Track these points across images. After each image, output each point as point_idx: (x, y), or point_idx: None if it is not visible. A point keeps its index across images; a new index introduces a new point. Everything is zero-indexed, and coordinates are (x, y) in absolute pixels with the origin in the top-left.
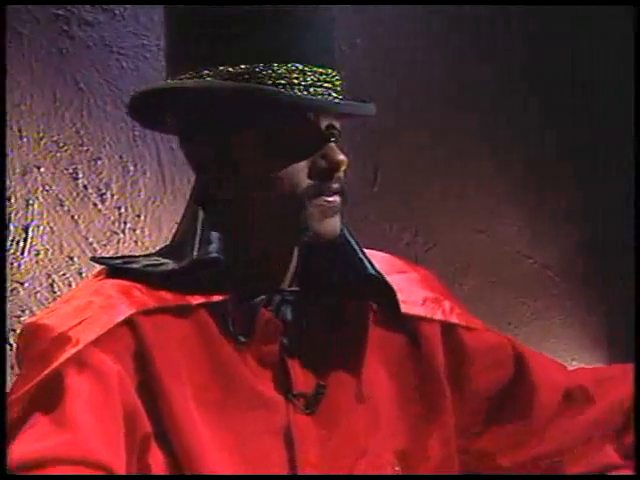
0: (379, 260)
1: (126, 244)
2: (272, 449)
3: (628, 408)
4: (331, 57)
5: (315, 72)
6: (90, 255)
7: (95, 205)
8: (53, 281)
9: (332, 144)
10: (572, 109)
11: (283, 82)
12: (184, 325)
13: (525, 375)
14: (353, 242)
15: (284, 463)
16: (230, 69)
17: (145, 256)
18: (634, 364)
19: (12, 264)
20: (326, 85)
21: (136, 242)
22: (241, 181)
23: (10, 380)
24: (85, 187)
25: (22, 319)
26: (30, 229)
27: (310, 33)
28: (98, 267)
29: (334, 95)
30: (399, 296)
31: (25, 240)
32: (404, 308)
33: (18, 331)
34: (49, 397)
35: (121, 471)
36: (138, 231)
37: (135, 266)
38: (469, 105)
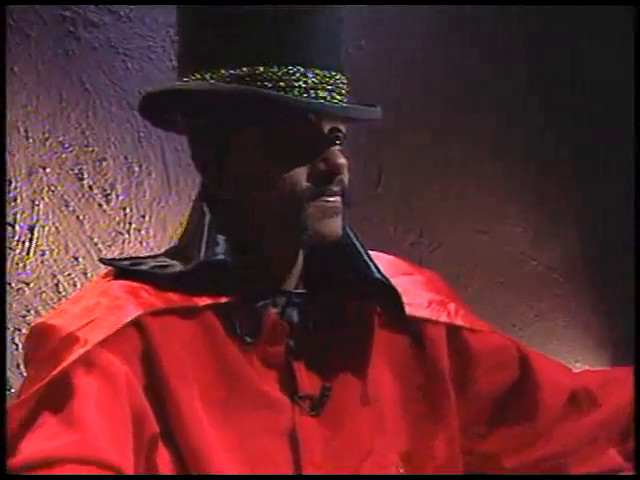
0: (384, 262)
1: (131, 244)
2: (277, 450)
3: (633, 411)
4: (336, 59)
5: (317, 74)
6: (95, 255)
7: (100, 206)
8: (58, 281)
9: (334, 148)
10: (572, 109)
11: (283, 84)
12: (191, 326)
13: (530, 377)
14: (358, 244)
15: (289, 464)
16: (232, 71)
17: (152, 257)
18: (634, 362)
19: (18, 264)
20: (328, 87)
21: (141, 242)
22: (242, 181)
23: (12, 379)
24: (90, 188)
25: (27, 319)
26: (36, 229)
27: (314, 35)
28: (103, 267)
29: (338, 98)
30: (404, 299)
31: (31, 240)
32: (409, 310)
33: (24, 331)
34: (58, 397)
35: (129, 471)
36: (143, 231)
37: (142, 267)
38: (469, 105)
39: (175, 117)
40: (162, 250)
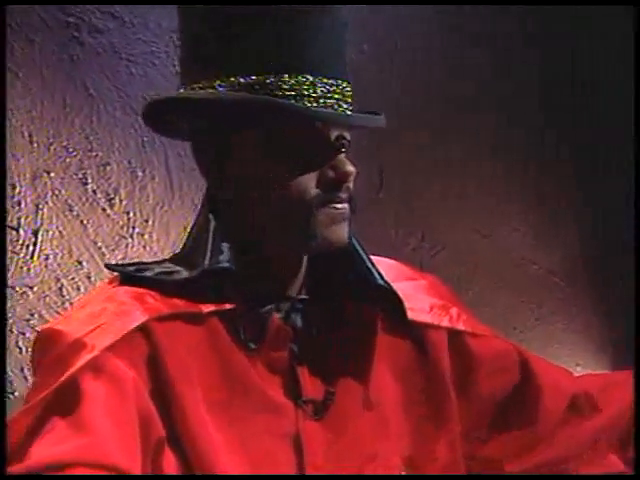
0: (387, 268)
1: (134, 249)
2: (281, 453)
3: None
4: (342, 68)
5: (325, 84)
6: (99, 259)
7: (104, 210)
8: (62, 285)
9: (341, 155)
10: (572, 109)
11: (293, 93)
12: (196, 332)
13: (531, 381)
14: (361, 250)
15: (292, 467)
16: (241, 80)
17: (157, 263)
18: (635, 363)
19: (22, 268)
20: (336, 96)
21: (144, 247)
22: (242, 182)
23: (15, 383)
24: (94, 192)
25: (31, 322)
26: (40, 233)
27: (321, 45)
28: (106, 271)
29: (344, 107)
30: (406, 304)
31: (35, 244)
32: (411, 315)
33: (28, 335)
34: (66, 402)
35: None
36: (146, 236)
37: (148, 274)
38: (469, 105)
39: (179, 124)
40: (166, 255)
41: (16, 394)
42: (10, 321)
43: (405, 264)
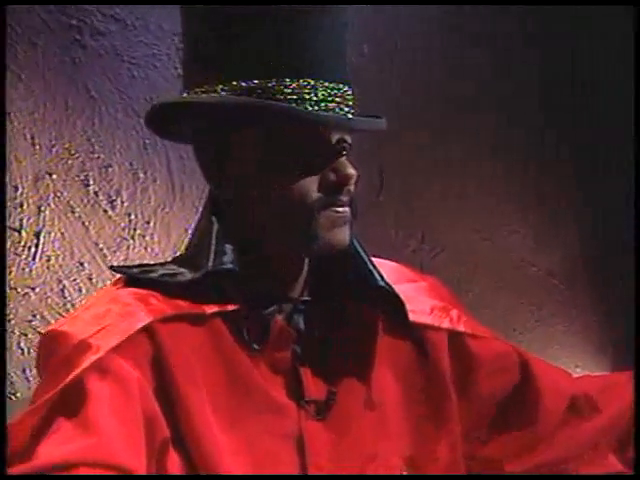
0: (388, 269)
1: (136, 250)
2: (284, 454)
3: (632, 416)
4: (343, 69)
5: (327, 87)
6: (100, 261)
7: (105, 212)
8: (64, 286)
9: (342, 158)
10: (572, 109)
11: (295, 97)
12: (199, 333)
13: (530, 382)
14: (362, 253)
15: (295, 467)
16: (243, 84)
17: (161, 265)
18: (634, 364)
19: (24, 269)
20: (337, 100)
21: (145, 248)
22: (241, 181)
23: (17, 384)
24: (96, 194)
25: (33, 324)
26: (41, 235)
27: (322, 45)
28: (108, 272)
29: (345, 110)
30: (408, 306)
31: (37, 246)
32: (412, 317)
33: (30, 335)
34: (72, 403)
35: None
36: (148, 237)
37: (152, 275)
38: (469, 105)
39: (181, 127)
40: (167, 256)
41: (18, 395)
42: (12, 322)
43: (406, 266)
